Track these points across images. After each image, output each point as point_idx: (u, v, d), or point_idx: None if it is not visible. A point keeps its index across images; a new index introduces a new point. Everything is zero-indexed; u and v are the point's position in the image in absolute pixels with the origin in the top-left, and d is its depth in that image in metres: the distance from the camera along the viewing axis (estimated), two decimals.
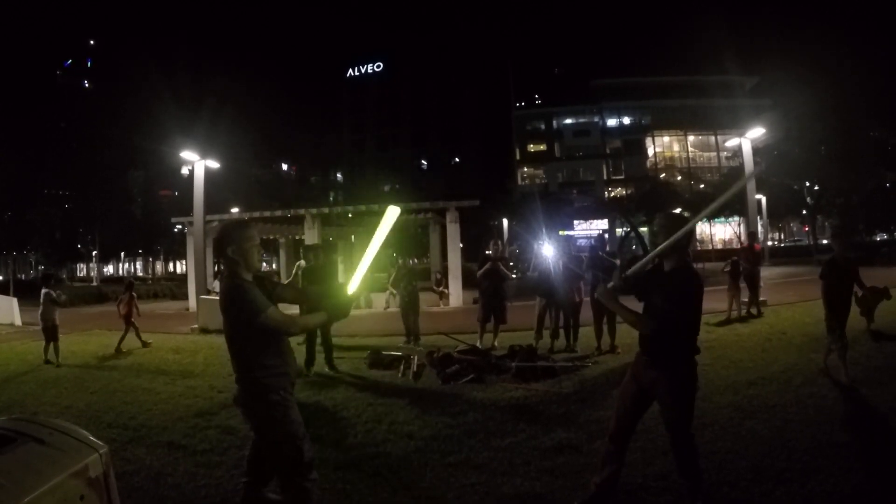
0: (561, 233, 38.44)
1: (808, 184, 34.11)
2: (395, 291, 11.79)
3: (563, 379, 6.09)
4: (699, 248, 41.67)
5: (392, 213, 2.72)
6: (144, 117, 41.58)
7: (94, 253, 47.20)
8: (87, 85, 68.37)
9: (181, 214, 23.63)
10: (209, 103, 42.02)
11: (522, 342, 7.50)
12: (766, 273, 12.03)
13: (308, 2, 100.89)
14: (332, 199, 60.11)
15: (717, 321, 9.60)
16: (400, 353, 7.51)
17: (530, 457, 3.88)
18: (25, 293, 17.78)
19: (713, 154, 51.77)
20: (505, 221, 33.47)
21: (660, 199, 38.44)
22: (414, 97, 63.85)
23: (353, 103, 66.11)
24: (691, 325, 2.86)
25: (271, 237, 24.21)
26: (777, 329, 8.58)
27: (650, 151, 55.02)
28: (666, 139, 54.86)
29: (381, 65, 66.27)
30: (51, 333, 8.68)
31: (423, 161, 64.48)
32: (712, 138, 51.21)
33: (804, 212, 36.00)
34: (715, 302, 10.54)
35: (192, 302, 16.57)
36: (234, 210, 25.87)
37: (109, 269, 61.32)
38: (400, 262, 9.79)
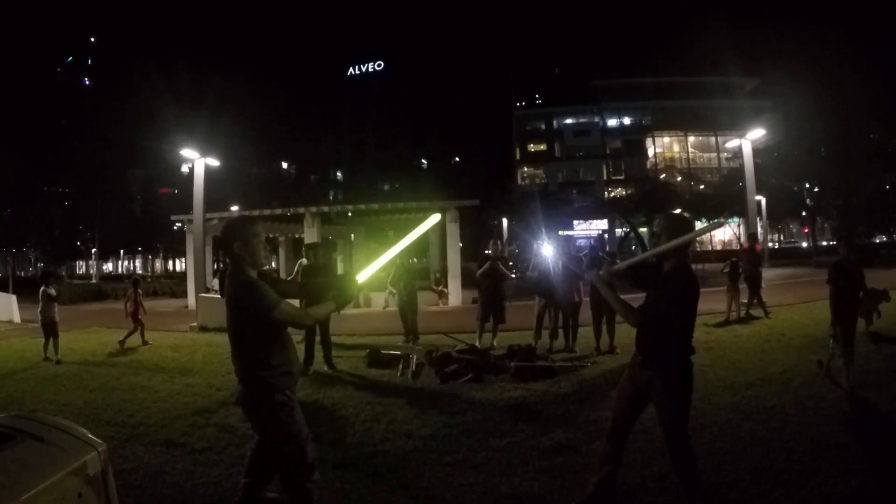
0: (560, 233, 38.46)
1: (807, 185, 34.12)
2: (394, 290, 11.79)
3: (561, 379, 6.09)
4: (699, 249, 41.65)
5: (433, 220, 2.74)
6: (144, 116, 41.67)
7: (93, 251, 47.21)
8: (87, 83, 68.40)
9: (181, 212, 23.62)
10: (209, 102, 42.08)
11: (521, 342, 7.50)
12: (766, 274, 12.03)
13: (308, 1, 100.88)
14: (331, 197, 60.10)
15: (716, 322, 9.59)
16: (399, 353, 7.51)
17: (528, 457, 3.88)
18: (25, 290, 17.80)
19: (713, 155, 51.79)
20: (504, 221, 33.49)
21: (660, 200, 38.41)
22: (414, 96, 63.83)
23: (353, 102, 66.07)
24: (686, 327, 2.88)
25: (271, 235, 24.19)
26: (776, 330, 8.58)
27: (650, 152, 55.04)
28: (666, 140, 54.87)
29: (382, 64, 66.23)
30: (49, 330, 8.69)
31: (422, 160, 64.42)
32: (712, 139, 51.24)
33: (804, 213, 36.01)
34: (714, 303, 10.56)
35: (191, 300, 16.58)
36: (234, 208, 25.89)
37: (109, 267, 61.35)
38: (398, 261, 9.77)
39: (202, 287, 13.59)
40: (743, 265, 10.42)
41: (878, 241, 38.51)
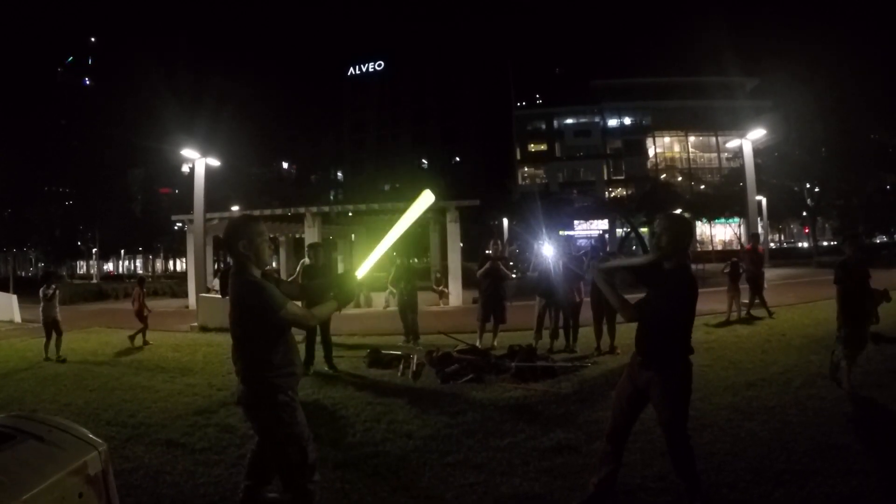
0: (561, 233, 38.45)
1: (808, 185, 34.14)
2: (394, 290, 11.79)
3: (562, 379, 6.09)
4: (699, 249, 41.67)
5: (426, 198, 2.71)
6: (145, 115, 41.62)
7: (93, 251, 47.18)
8: (87, 83, 68.39)
9: (181, 212, 23.63)
10: (209, 102, 42.08)
11: (522, 342, 7.50)
12: (767, 275, 12.02)
13: (308, 2, 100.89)
14: (332, 197, 60.12)
15: (716, 322, 9.59)
16: (399, 353, 7.51)
17: (529, 457, 3.88)
18: (25, 290, 17.80)
19: (714, 155, 51.82)
20: (505, 221, 33.46)
21: (660, 200, 38.48)
22: (414, 96, 63.90)
23: (353, 102, 66.15)
24: (685, 327, 2.88)
25: (271, 235, 24.22)
26: (776, 331, 8.58)
27: (651, 152, 55.06)
28: (667, 140, 54.90)
29: (382, 64, 66.29)
30: (51, 329, 8.72)
31: (423, 160, 64.45)
32: (713, 139, 51.26)
33: (804, 213, 36.01)
34: (715, 303, 10.56)
35: (191, 300, 16.59)
36: (235, 208, 25.90)
37: (109, 267, 61.36)
38: (398, 261, 9.78)
39: (203, 287, 13.60)
40: (745, 265, 10.41)
41: (878, 241, 38.49)
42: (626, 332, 6.32)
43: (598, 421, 4.43)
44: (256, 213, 19.42)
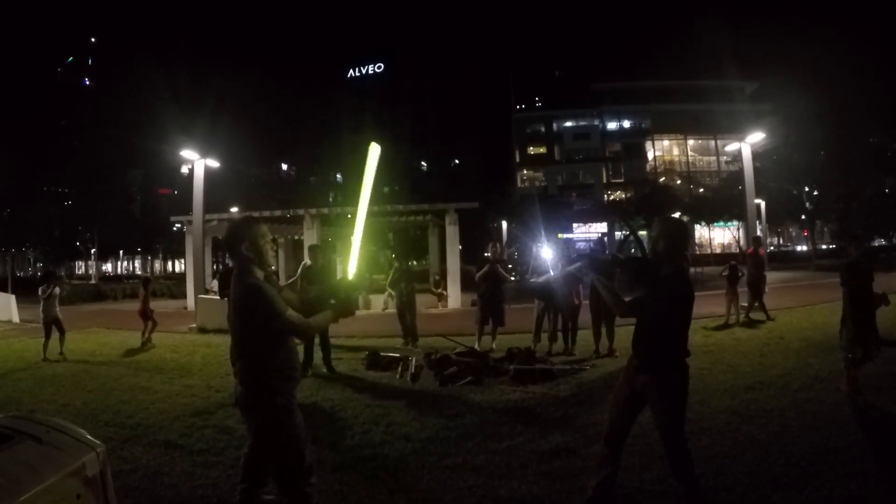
0: (560, 236, 38.48)
1: (807, 189, 34.17)
2: (393, 293, 11.78)
3: (560, 382, 6.09)
4: (698, 252, 41.69)
5: (374, 151, 2.73)
6: (144, 116, 41.73)
7: (92, 251, 47.17)
8: (87, 83, 68.41)
9: (180, 213, 23.63)
10: (209, 103, 42.11)
11: (520, 345, 7.50)
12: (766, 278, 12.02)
13: (308, 3, 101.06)
14: (331, 199, 60.11)
15: (715, 326, 9.60)
16: (398, 355, 7.50)
17: (528, 460, 3.88)
18: (24, 291, 17.77)
19: (713, 158, 51.91)
20: (504, 224, 33.48)
21: (659, 203, 38.50)
22: (414, 99, 63.92)
23: (353, 104, 66.13)
24: (681, 330, 2.88)
25: (271, 237, 24.18)
26: (775, 334, 8.59)
27: (650, 155, 55.14)
28: (666, 143, 54.99)
29: (382, 66, 66.36)
30: (51, 328, 8.76)
31: (422, 163, 64.49)
32: (712, 142, 51.35)
33: (803, 217, 36.05)
34: (713, 306, 10.56)
35: (190, 301, 16.56)
36: (234, 209, 25.87)
37: (108, 268, 61.31)
38: (397, 263, 9.78)
39: (201, 288, 13.58)
40: (747, 269, 10.41)
41: (877, 244, 38.53)
42: (625, 335, 6.32)
43: (596, 424, 4.42)
44: (255, 214, 19.42)
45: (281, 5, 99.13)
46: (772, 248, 43.25)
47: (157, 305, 10.30)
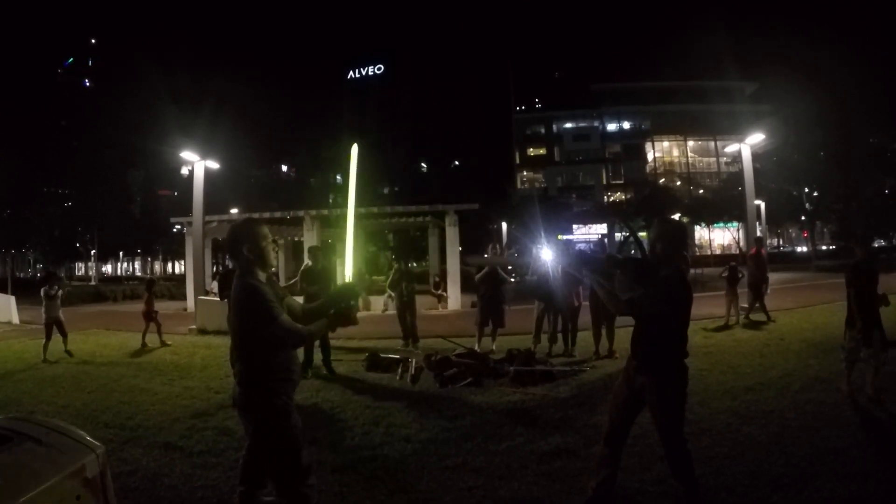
0: (560, 237, 38.47)
1: (807, 189, 34.18)
2: (392, 294, 11.78)
3: (560, 383, 6.09)
4: (698, 254, 41.68)
5: (355, 151, 2.81)
6: (144, 117, 41.79)
7: (92, 252, 47.18)
8: (87, 84, 68.45)
9: (180, 214, 23.63)
10: (209, 104, 42.15)
11: (520, 346, 7.49)
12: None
13: (308, 4, 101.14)
14: (331, 201, 60.09)
15: (714, 327, 9.59)
16: (398, 356, 7.51)
17: (527, 461, 3.88)
18: (24, 292, 17.77)
19: (713, 159, 51.88)
20: (504, 225, 33.48)
21: (659, 204, 38.48)
22: (414, 100, 63.96)
23: (353, 105, 66.19)
24: (680, 331, 2.88)
25: (273, 238, 24.18)
26: (775, 335, 8.58)
27: (650, 156, 55.13)
28: (665, 144, 54.95)
29: (382, 67, 66.45)
30: (52, 329, 8.81)
31: (422, 164, 64.52)
32: (712, 143, 51.32)
33: (803, 218, 36.05)
34: (713, 307, 10.55)
35: (190, 302, 16.56)
36: (234, 211, 25.89)
37: (108, 269, 61.30)
38: (397, 264, 9.78)
39: (201, 289, 13.58)
40: (749, 269, 10.40)
41: (876, 245, 38.52)
42: (625, 336, 6.30)
43: (596, 425, 4.42)
44: (255, 215, 19.44)
45: (281, 6, 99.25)
46: (772, 248, 43.25)
47: (157, 306, 10.31)
